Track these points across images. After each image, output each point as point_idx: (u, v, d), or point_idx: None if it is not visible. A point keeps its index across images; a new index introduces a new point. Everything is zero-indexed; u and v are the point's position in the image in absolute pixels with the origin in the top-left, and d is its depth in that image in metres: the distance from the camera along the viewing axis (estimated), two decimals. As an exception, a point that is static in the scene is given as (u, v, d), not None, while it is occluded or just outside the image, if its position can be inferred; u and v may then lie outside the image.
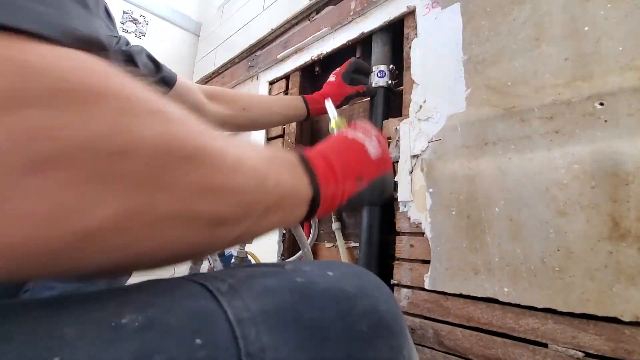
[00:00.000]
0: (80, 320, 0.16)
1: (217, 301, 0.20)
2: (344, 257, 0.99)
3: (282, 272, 0.24)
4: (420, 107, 0.81)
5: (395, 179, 0.83)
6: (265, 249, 1.20)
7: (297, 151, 0.34)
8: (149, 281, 0.22)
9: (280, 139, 1.29)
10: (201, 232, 0.20)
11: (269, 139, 1.34)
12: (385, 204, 0.88)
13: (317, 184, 0.31)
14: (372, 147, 0.39)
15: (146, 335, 0.17)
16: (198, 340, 0.17)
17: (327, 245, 1.11)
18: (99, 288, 0.20)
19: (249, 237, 0.26)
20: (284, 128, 1.28)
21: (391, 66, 0.95)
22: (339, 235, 1.02)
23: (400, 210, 0.81)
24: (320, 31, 1.14)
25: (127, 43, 0.61)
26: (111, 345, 0.16)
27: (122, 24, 1.68)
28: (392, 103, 0.97)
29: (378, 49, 0.98)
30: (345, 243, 1.02)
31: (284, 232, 1.19)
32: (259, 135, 1.38)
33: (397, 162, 0.84)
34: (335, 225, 1.04)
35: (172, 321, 0.18)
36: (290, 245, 1.18)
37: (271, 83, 1.39)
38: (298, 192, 0.30)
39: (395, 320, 0.24)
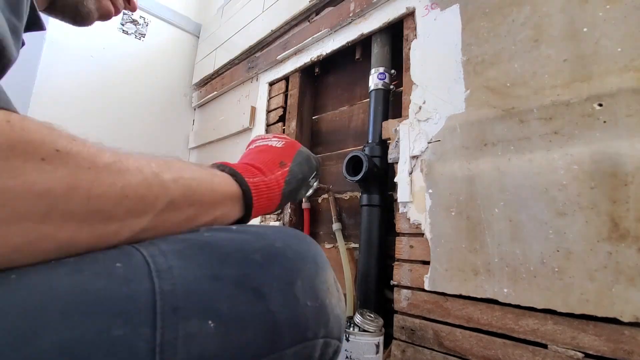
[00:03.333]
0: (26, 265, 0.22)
1: (136, 248, 0.26)
2: (344, 258, 0.99)
3: (195, 232, 0.30)
4: (420, 108, 0.81)
5: (395, 180, 0.83)
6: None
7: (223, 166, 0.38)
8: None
9: (280, 140, 1.29)
10: (79, 229, 0.23)
11: (268, 140, 1.34)
12: (385, 206, 0.88)
13: (242, 178, 0.35)
14: (275, 142, 0.45)
15: (77, 262, 0.23)
16: (118, 264, 0.24)
17: (327, 246, 1.11)
18: None
19: (161, 232, 0.28)
20: (284, 129, 1.28)
21: (392, 71, 0.96)
22: (339, 236, 1.02)
23: (400, 211, 0.81)
24: (320, 32, 1.15)
25: None
26: (50, 268, 0.22)
27: (122, 25, 1.68)
28: (391, 104, 0.97)
29: (377, 50, 0.98)
30: (345, 244, 1.02)
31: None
32: (258, 136, 1.38)
33: (397, 163, 0.84)
34: (335, 226, 1.04)
35: (100, 256, 0.24)
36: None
37: (271, 84, 1.40)
38: (215, 186, 0.33)
39: (291, 252, 0.30)
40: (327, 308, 0.30)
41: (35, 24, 0.37)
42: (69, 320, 0.21)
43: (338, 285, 0.34)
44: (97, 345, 0.21)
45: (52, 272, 0.22)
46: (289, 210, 1.18)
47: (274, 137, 0.47)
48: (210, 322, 0.24)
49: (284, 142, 0.46)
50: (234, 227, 0.31)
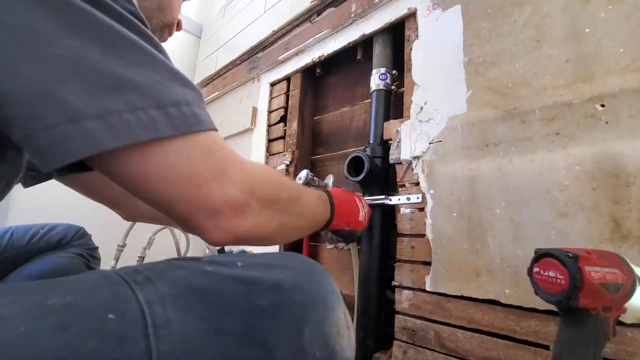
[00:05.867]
0: (14, 303, 0.21)
1: (131, 289, 0.24)
2: (355, 257, 0.99)
3: (197, 263, 0.28)
4: (421, 109, 0.81)
5: (396, 181, 0.83)
6: (268, 249, 1.20)
7: (328, 193, 0.61)
8: (83, 274, 0.26)
9: (281, 140, 1.29)
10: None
11: (270, 140, 1.35)
12: (387, 207, 0.89)
13: (333, 214, 0.59)
14: (361, 213, 0.67)
15: (65, 312, 0.21)
16: (111, 315, 0.22)
17: (329, 246, 1.11)
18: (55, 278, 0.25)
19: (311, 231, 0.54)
20: (285, 129, 1.28)
21: (394, 71, 0.96)
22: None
23: (402, 212, 0.81)
24: (321, 33, 1.15)
25: None
26: (36, 319, 0.21)
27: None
28: (393, 104, 0.97)
29: (379, 50, 0.98)
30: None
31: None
32: (260, 137, 1.38)
33: (400, 163, 0.84)
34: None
35: (90, 302, 0.23)
36: (288, 248, 1.18)
37: (272, 84, 1.40)
38: (326, 215, 0.57)
39: (300, 294, 0.28)
40: (336, 355, 0.29)
41: None
42: None
43: (348, 320, 0.32)
44: None
45: (36, 328, 0.20)
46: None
47: (366, 213, 0.71)
48: None
49: (362, 220, 0.69)
50: (239, 262, 0.29)
